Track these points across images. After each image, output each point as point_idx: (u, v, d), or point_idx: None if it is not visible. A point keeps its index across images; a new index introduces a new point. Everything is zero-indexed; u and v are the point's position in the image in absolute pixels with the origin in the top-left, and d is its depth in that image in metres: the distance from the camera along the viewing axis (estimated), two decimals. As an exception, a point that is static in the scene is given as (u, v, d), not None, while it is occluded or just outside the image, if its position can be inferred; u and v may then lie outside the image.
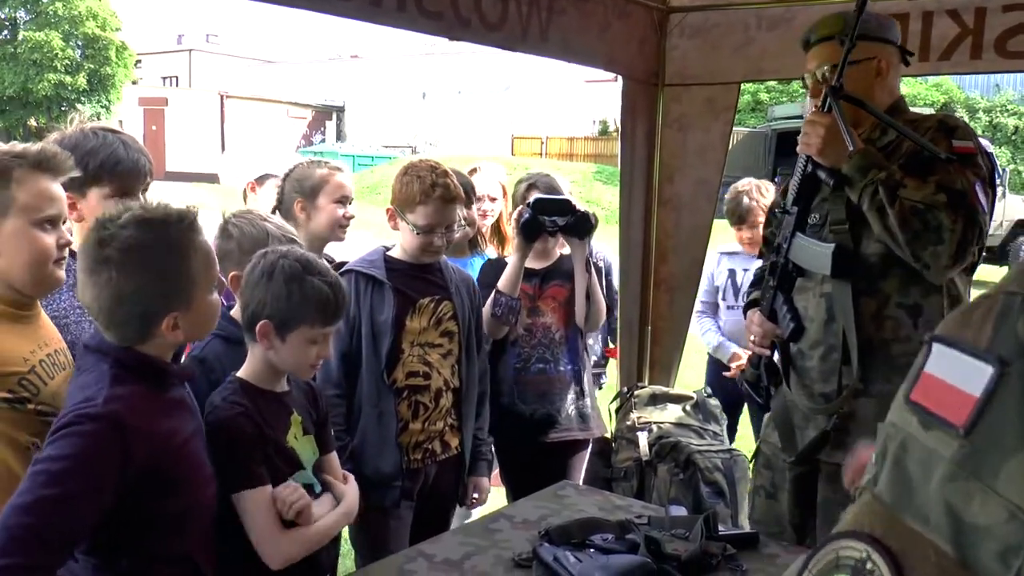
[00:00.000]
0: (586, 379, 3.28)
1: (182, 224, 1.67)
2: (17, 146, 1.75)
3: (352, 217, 2.94)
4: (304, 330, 1.93)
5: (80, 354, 1.71)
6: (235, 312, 2.16)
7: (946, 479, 0.52)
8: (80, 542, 1.55)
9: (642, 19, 3.82)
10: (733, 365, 3.95)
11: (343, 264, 2.73)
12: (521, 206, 3.12)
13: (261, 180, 3.30)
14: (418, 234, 2.66)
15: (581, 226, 3.06)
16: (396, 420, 2.64)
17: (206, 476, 1.75)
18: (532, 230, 3.03)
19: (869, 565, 0.54)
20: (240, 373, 1.97)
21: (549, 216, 3.02)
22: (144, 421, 1.59)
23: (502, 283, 3.08)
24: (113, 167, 2.16)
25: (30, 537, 1.43)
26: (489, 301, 3.06)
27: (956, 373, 0.54)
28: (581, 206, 3.12)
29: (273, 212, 2.96)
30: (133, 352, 1.65)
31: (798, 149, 2.33)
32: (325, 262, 2.06)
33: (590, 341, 3.53)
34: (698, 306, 4.16)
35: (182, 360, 2.13)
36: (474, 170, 3.65)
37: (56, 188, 1.77)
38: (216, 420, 1.86)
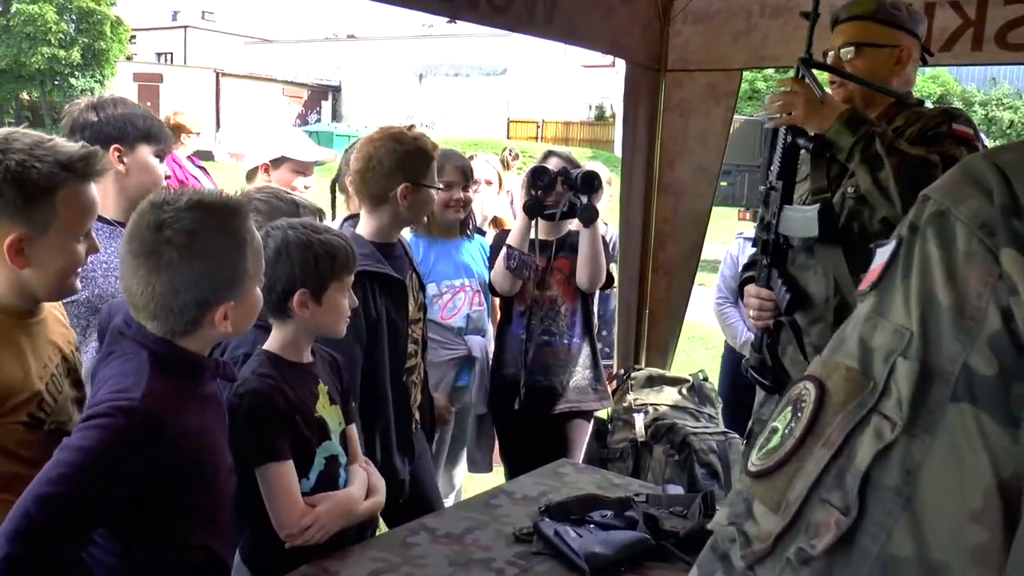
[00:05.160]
0: (593, 351, 3.31)
1: (240, 212, 1.63)
2: (58, 148, 1.64)
3: None
4: (336, 286, 2.01)
5: (113, 338, 1.66)
6: None
7: (861, 321, 0.69)
8: (97, 531, 1.52)
9: (646, 4, 3.84)
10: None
11: None
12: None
13: (276, 163, 3.28)
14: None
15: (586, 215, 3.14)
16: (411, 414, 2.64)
17: (228, 468, 1.75)
18: (535, 210, 3.14)
19: (803, 392, 0.70)
20: (267, 346, 2.01)
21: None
22: (178, 418, 1.55)
23: (512, 239, 3.16)
24: (160, 131, 2.39)
25: (47, 529, 1.41)
26: (502, 255, 3.14)
27: (880, 258, 0.71)
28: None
29: (332, 184, 3.18)
30: (172, 346, 1.60)
31: (776, 121, 2.36)
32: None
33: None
34: (718, 293, 4.09)
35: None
36: (471, 157, 3.71)
37: (93, 193, 1.71)
38: (246, 392, 1.88)
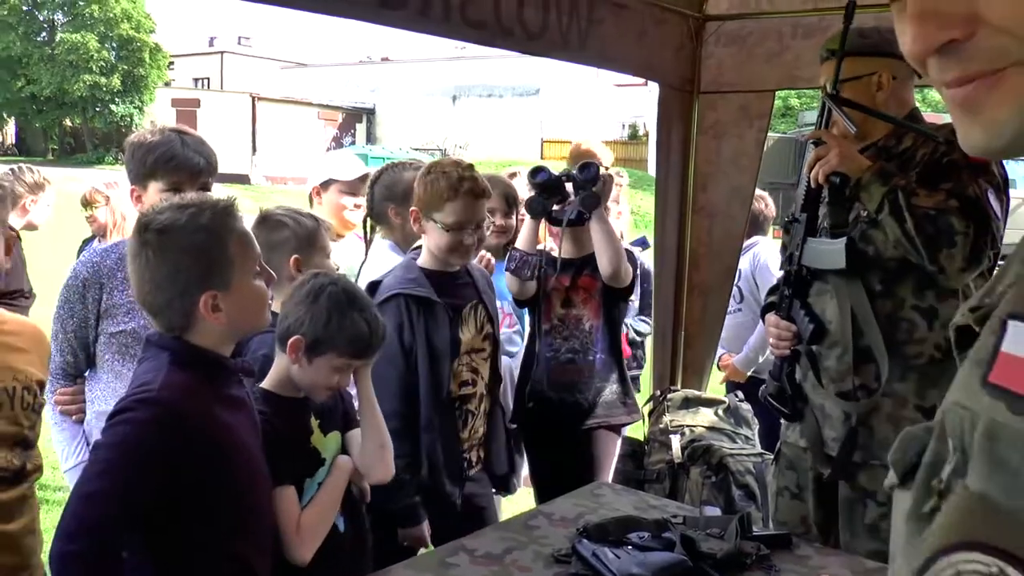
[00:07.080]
0: (620, 365, 3.30)
1: (216, 207, 1.70)
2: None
3: None
4: (332, 357, 1.97)
5: (144, 346, 1.75)
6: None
7: None
8: (140, 524, 1.60)
9: (678, 27, 3.86)
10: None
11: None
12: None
13: (325, 186, 3.33)
14: (447, 231, 2.57)
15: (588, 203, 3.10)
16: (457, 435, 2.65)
17: (264, 475, 1.80)
18: (536, 210, 3.14)
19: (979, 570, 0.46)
20: (264, 383, 2.03)
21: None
22: (201, 410, 1.64)
23: (518, 242, 3.19)
24: (167, 163, 2.34)
25: (96, 525, 1.51)
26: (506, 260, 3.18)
27: None
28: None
29: (364, 220, 3.09)
30: (187, 343, 1.68)
31: (813, 174, 2.35)
32: (368, 297, 2.10)
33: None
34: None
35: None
36: (514, 174, 3.73)
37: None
38: None
